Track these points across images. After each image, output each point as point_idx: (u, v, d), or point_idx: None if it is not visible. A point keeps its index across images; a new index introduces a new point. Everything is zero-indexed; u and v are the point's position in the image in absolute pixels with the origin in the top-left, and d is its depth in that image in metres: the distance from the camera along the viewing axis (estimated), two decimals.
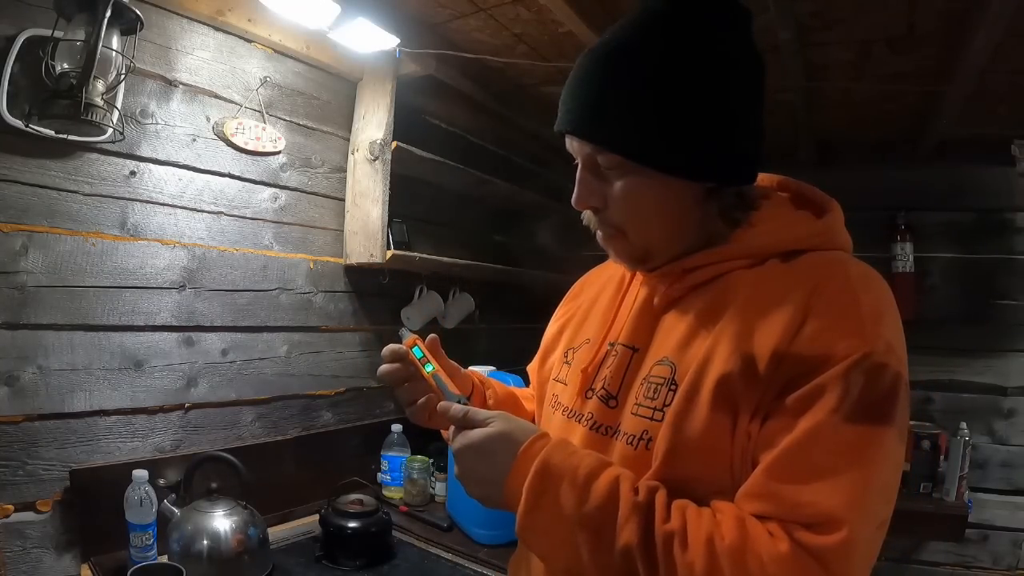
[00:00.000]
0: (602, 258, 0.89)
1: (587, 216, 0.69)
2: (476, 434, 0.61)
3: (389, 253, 1.65)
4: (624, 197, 0.63)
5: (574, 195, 0.65)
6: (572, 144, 0.65)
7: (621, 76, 0.59)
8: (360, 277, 1.83)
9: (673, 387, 0.60)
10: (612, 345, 0.70)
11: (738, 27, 0.62)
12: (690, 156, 0.60)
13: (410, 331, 0.77)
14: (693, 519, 0.53)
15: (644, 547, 0.52)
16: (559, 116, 0.65)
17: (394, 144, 1.67)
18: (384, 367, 0.75)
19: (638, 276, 0.72)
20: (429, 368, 0.74)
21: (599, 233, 0.69)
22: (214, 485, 1.25)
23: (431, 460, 1.72)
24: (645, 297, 0.69)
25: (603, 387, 0.68)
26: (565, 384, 0.75)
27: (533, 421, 0.85)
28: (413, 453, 1.75)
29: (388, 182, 1.67)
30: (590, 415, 0.68)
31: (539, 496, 0.57)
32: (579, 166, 0.65)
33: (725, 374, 0.56)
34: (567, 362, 0.77)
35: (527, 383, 0.95)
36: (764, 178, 0.70)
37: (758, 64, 0.63)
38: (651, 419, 0.61)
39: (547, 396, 0.79)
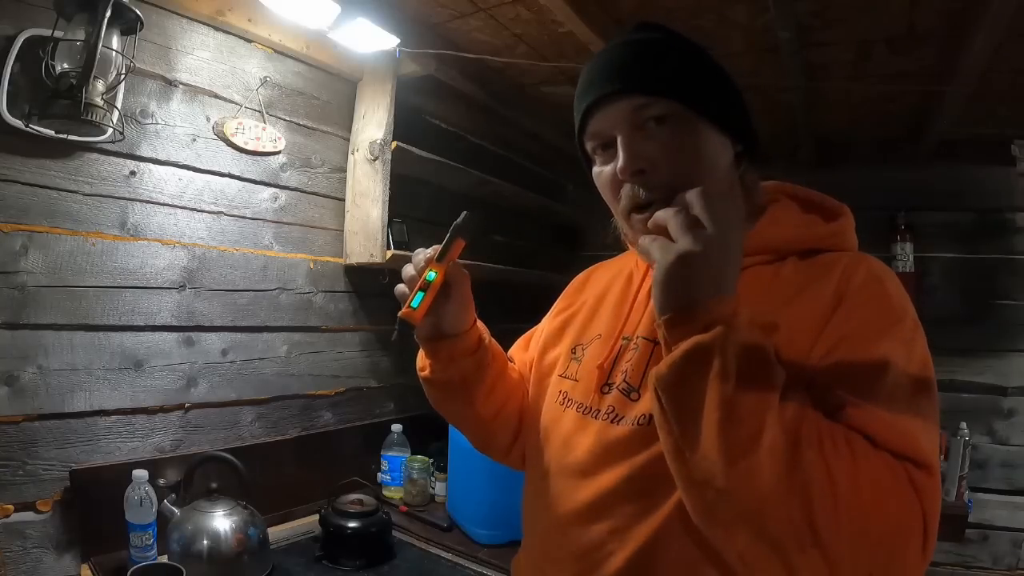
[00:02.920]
0: (604, 258, 0.88)
1: (627, 192, 0.63)
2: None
3: (389, 253, 1.65)
4: (681, 145, 0.61)
5: (622, 161, 0.61)
6: (608, 117, 0.63)
7: (664, 44, 0.65)
8: (360, 277, 1.83)
9: None
10: (627, 339, 0.70)
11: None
12: (733, 113, 0.65)
13: (405, 322, 0.71)
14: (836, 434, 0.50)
15: (792, 443, 0.47)
16: (592, 88, 0.64)
17: (394, 144, 1.67)
18: (400, 287, 0.73)
19: (651, 270, 0.71)
20: (432, 276, 0.70)
21: (639, 217, 0.63)
22: (214, 485, 1.25)
23: (431, 460, 1.72)
24: None
25: (624, 380, 0.67)
26: (576, 380, 0.73)
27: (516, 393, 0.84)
28: (413, 453, 1.75)
29: (388, 182, 1.67)
30: (610, 408, 0.67)
31: (738, 358, 0.49)
32: (620, 136, 0.62)
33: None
34: (575, 358, 0.75)
35: None
36: (773, 184, 0.71)
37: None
38: None
39: (551, 392, 0.77)
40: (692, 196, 0.52)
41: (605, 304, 0.77)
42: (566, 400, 0.74)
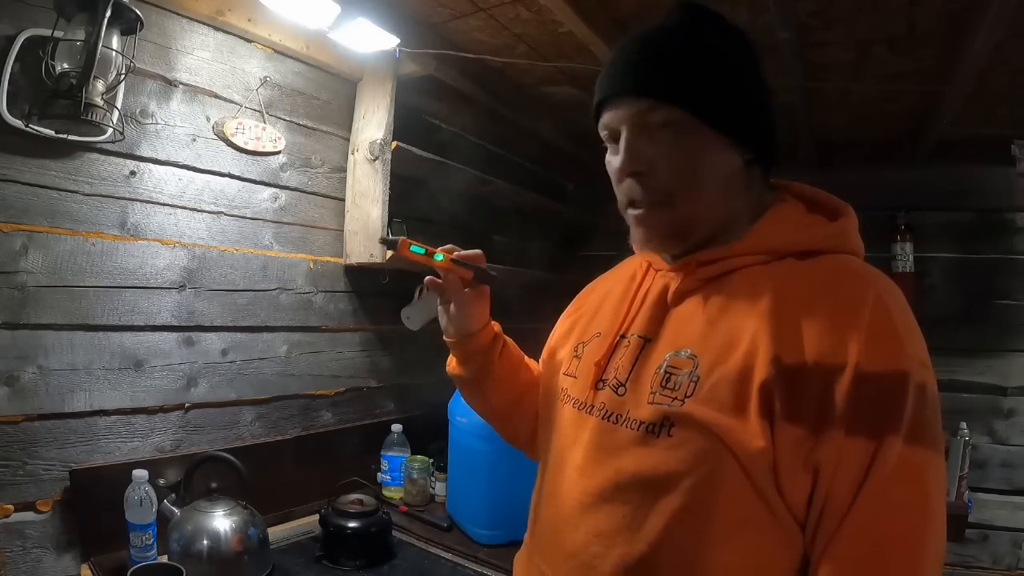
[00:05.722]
0: (604, 258, 0.89)
1: (626, 188, 0.66)
2: None
3: (389, 253, 1.65)
4: (682, 155, 0.63)
5: (620, 161, 0.65)
6: (616, 115, 0.65)
7: (677, 43, 0.64)
8: (360, 277, 1.83)
9: (695, 379, 0.61)
10: (624, 336, 0.71)
11: (750, 44, 0.69)
12: (740, 119, 0.63)
13: (394, 238, 0.79)
14: None
15: None
16: (606, 84, 0.66)
17: (394, 144, 1.66)
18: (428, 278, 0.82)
19: (652, 271, 0.74)
20: (439, 257, 0.77)
21: (633, 212, 0.67)
22: (214, 485, 1.25)
23: (431, 460, 1.72)
24: (660, 290, 0.70)
25: (614, 376, 0.69)
26: (575, 377, 0.75)
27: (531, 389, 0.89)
28: (413, 453, 1.75)
29: (388, 182, 1.67)
30: (602, 404, 0.69)
31: None
32: (624, 135, 0.65)
33: (766, 380, 0.56)
34: (577, 356, 0.77)
35: None
36: (778, 182, 0.72)
37: (765, 79, 0.68)
38: (671, 408, 0.61)
39: (556, 389, 0.79)
40: None
41: (608, 303, 0.79)
42: (566, 396, 0.76)
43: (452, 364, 0.89)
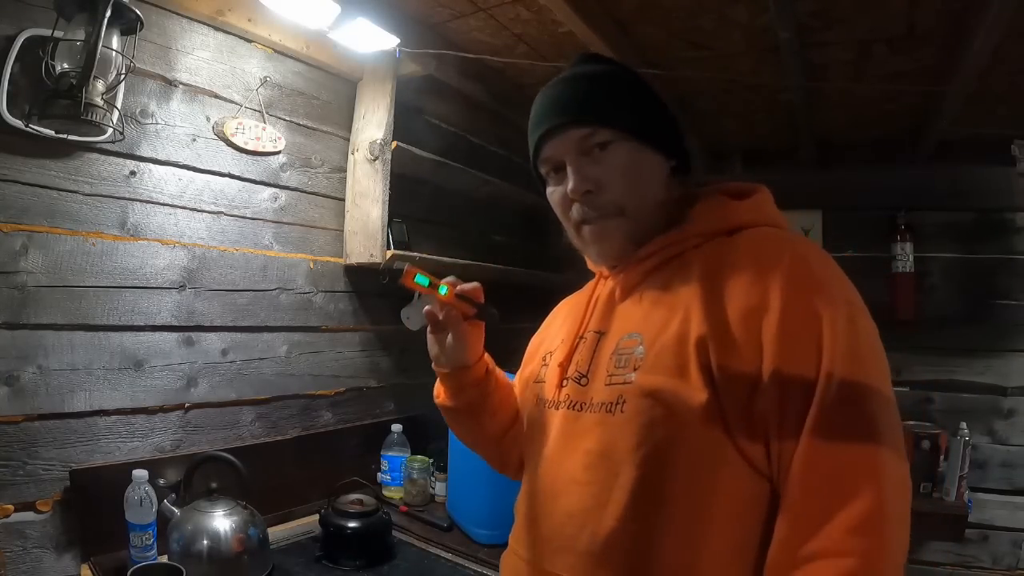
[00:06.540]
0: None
1: (576, 211, 0.74)
2: None
3: (389, 253, 1.65)
4: (623, 169, 0.71)
5: (572, 183, 0.71)
6: (558, 145, 0.73)
7: (606, 77, 0.74)
8: (360, 277, 1.83)
9: (641, 354, 0.66)
10: (582, 337, 0.77)
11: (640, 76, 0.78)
12: (666, 134, 0.74)
13: (407, 263, 0.78)
14: None
15: None
16: (544, 119, 0.74)
17: (394, 144, 1.67)
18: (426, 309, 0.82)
19: (602, 280, 0.81)
20: (443, 290, 0.76)
21: (588, 228, 0.74)
22: (214, 485, 1.25)
23: (431, 460, 1.72)
24: (609, 291, 0.77)
25: (575, 370, 0.75)
26: (544, 382, 0.81)
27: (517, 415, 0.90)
28: (413, 453, 1.75)
29: (388, 182, 1.67)
30: (567, 397, 0.74)
31: None
32: (570, 161, 0.72)
33: (701, 336, 0.61)
34: (545, 364, 0.83)
35: None
36: (709, 185, 0.79)
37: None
38: (623, 384, 0.66)
39: (529, 398, 0.84)
40: None
41: (569, 316, 0.85)
42: (538, 401, 0.81)
43: (442, 395, 0.89)
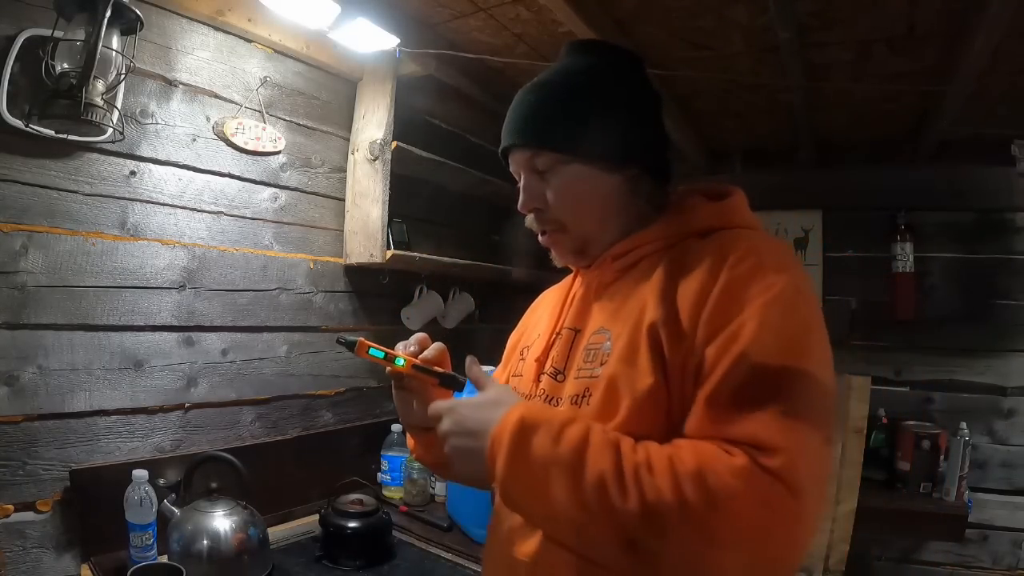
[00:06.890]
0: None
1: (530, 220, 0.79)
2: (467, 399, 0.68)
3: (389, 253, 1.65)
4: (560, 190, 0.74)
5: (520, 200, 0.76)
6: (513, 162, 0.78)
7: (548, 94, 0.75)
8: (360, 277, 1.83)
9: (608, 350, 0.69)
10: (559, 333, 0.79)
11: (635, 68, 0.79)
12: (606, 147, 0.73)
13: (352, 339, 0.74)
14: (655, 450, 0.58)
15: (616, 476, 0.56)
16: (503, 136, 0.77)
17: (394, 144, 1.67)
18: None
19: (580, 276, 0.83)
20: (399, 362, 0.74)
21: (541, 237, 0.79)
22: (214, 485, 1.25)
23: None
24: (585, 288, 0.79)
25: (552, 366, 0.77)
26: (521, 376, 0.83)
27: None
28: None
29: (388, 182, 1.67)
30: (542, 391, 0.76)
31: (519, 443, 0.61)
32: (521, 178, 0.77)
33: (652, 322, 0.64)
34: (522, 358, 0.85)
35: None
36: (685, 187, 0.80)
37: (652, 92, 0.79)
38: (590, 378, 0.69)
39: None
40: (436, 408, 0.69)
41: (546, 311, 0.87)
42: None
43: (417, 451, 0.88)
